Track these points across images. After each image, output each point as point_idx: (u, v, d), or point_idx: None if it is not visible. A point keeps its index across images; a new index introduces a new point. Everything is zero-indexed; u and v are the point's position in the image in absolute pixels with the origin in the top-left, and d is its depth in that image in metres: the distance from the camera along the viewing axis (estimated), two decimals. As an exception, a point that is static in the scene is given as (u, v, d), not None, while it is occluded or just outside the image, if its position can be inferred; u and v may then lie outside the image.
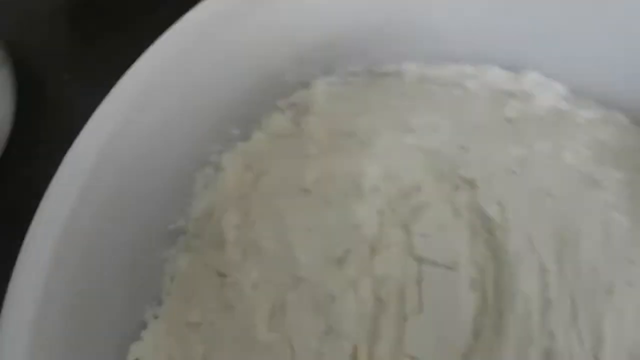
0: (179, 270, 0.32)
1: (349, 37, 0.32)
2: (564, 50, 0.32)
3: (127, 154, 0.27)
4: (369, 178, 0.30)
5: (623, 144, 0.32)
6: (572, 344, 0.27)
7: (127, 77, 0.26)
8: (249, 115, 0.33)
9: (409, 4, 0.32)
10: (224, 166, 0.33)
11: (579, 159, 0.32)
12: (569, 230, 0.29)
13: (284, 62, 0.32)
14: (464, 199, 0.30)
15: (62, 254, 0.25)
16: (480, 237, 0.30)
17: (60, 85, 0.39)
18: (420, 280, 0.29)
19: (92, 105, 0.28)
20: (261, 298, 0.30)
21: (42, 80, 0.40)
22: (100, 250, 0.28)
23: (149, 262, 0.31)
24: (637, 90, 0.32)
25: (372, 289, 0.29)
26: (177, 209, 0.32)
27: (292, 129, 0.33)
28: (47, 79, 0.40)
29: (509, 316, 0.29)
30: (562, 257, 0.29)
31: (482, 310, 0.29)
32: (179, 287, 0.32)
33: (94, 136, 0.26)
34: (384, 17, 0.31)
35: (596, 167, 0.31)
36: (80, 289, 0.27)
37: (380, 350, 0.28)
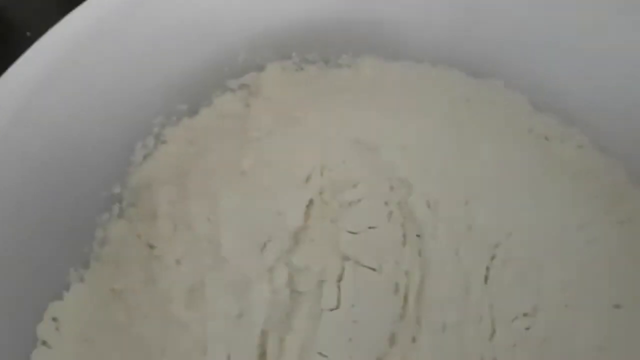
0: (110, 237, 0.32)
1: (307, 24, 0.31)
2: (530, 63, 0.31)
3: (53, 111, 0.27)
4: (303, 168, 0.30)
5: (580, 164, 0.31)
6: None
7: (59, 28, 0.26)
8: (199, 92, 0.33)
9: (366, 2, 0.31)
10: (167, 139, 0.32)
11: (528, 173, 0.30)
12: (501, 245, 0.28)
13: (236, 43, 0.32)
14: (398, 200, 0.29)
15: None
16: (410, 241, 0.29)
17: (22, 40, 0.39)
18: (340, 278, 0.28)
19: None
20: (183, 274, 0.30)
21: (4, 33, 0.40)
22: (24, 208, 0.27)
23: (80, 225, 0.31)
24: (602, 113, 0.31)
25: (288, 280, 0.28)
26: (115, 176, 0.32)
27: (240, 110, 0.33)
28: (9, 33, 0.40)
29: (426, 326, 0.28)
30: (490, 273, 0.28)
31: (401, 316, 0.28)
32: (109, 253, 0.32)
33: (18, 82, 0.26)
34: (344, 8, 0.31)
35: (544, 184, 0.30)
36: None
37: (290, 342, 0.28)
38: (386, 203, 0.29)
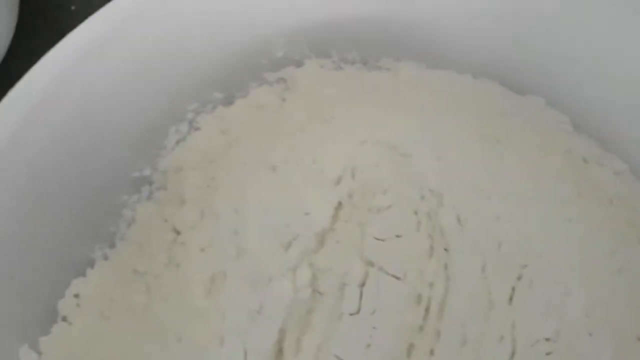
0: (138, 218, 0.32)
1: (348, 24, 0.31)
2: (574, 83, 0.30)
3: (92, 89, 0.27)
4: (335, 168, 0.30)
5: (616, 190, 0.30)
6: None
7: (99, 15, 0.26)
8: (236, 82, 0.33)
9: (417, 5, 0.30)
10: (200, 126, 0.32)
11: (562, 195, 0.30)
12: (529, 266, 0.28)
13: (276, 38, 0.32)
14: (427, 210, 0.29)
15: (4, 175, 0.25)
16: (437, 253, 0.29)
17: (67, 14, 0.40)
18: (363, 283, 0.28)
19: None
20: (205, 263, 0.30)
21: (49, 6, 0.40)
22: (53, 183, 0.28)
23: (109, 204, 0.31)
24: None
25: (310, 280, 0.28)
26: (146, 159, 0.32)
27: (275, 104, 0.33)
28: (55, 7, 0.40)
29: (446, 340, 0.28)
30: (515, 293, 0.28)
31: (421, 327, 0.28)
32: (135, 234, 0.32)
33: (55, 62, 0.26)
34: (388, 10, 0.30)
35: (578, 207, 0.29)
36: (27, 214, 0.27)
37: (307, 343, 0.28)
38: (415, 212, 0.29)
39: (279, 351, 0.28)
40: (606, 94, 0.30)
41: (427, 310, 0.28)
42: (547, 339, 0.27)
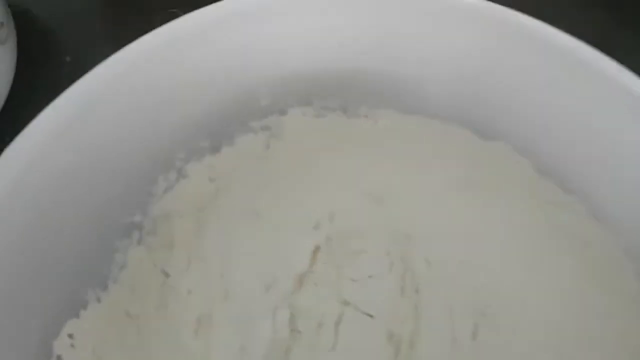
0: (129, 262, 0.34)
1: (328, 74, 0.33)
2: (533, 130, 0.33)
3: (83, 143, 0.29)
4: (314, 214, 0.32)
5: (575, 233, 0.32)
6: None
7: (94, 72, 0.29)
8: (222, 130, 0.35)
9: (389, 56, 0.33)
10: (188, 174, 0.34)
11: (528, 239, 0.32)
12: (493, 308, 0.30)
13: (259, 88, 0.34)
14: (400, 254, 0.31)
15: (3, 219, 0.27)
16: (407, 293, 0.31)
17: (59, 64, 0.42)
18: (339, 322, 0.30)
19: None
20: (193, 304, 0.32)
21: (42, 55, 0.43)
22: (48, 229, 0.29)
23: (101, 249, 0.33)
24: (599, 183, 0.32)
25: (289, 320, 0.30)
26: (136, 205, 0.34)
27: (260, 151, 0.35)
28: (48, 57, 0.43)
29: (415, 376, 0.29)
30: (477, 334, 0.30)
31: (393, 362, 0.30)
32: (126, 278, 0.34)
33: (54, 116, 0.28)
34: (365, 59, 0.33)
35: (543, 250, 0.31)
36: (25, 259, 0.29)
37: (286, 379, 0.30)
38: (388, 254, 0.31)
39: (260, 387, 0.30)
40: (567, 139, 0.32)
41: (398, 347, 0.30)
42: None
